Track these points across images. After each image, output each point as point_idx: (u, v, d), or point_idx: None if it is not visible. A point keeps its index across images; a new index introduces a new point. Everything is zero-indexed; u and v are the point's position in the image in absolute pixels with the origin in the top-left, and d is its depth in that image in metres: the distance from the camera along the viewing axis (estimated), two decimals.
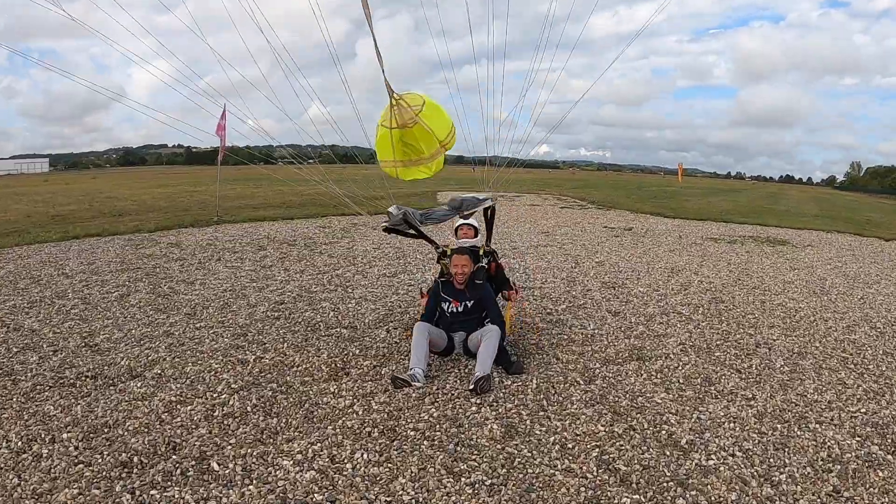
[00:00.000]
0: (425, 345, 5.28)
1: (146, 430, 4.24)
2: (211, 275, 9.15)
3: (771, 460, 3.96)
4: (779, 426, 4.42)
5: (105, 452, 3.94)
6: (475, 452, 3.98)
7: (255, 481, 3.65)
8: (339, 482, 3.64)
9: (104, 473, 3.70)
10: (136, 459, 3.85)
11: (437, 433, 4.22)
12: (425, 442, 4.11)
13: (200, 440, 4.11)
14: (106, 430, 4.25)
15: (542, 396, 4.79)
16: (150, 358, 5.63)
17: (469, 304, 5.58)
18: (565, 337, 6.31)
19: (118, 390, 4.92)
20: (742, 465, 3.88)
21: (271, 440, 4.14)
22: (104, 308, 7.27)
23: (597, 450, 4.00)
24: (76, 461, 3.84)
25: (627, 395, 4.85)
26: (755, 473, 3.80)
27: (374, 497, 3.50)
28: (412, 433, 4.22)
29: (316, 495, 3.52)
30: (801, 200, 39.66)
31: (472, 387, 4.85)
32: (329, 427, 4.31)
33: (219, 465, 3.82)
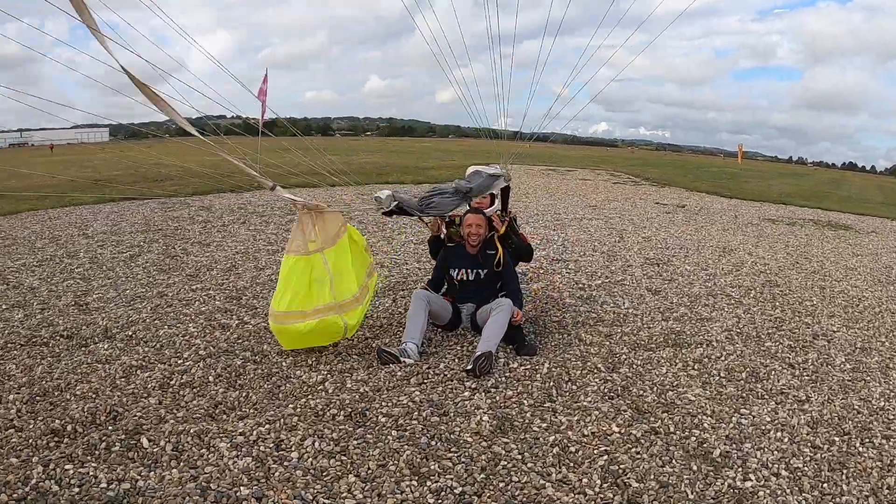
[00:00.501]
0: (423, 316, 4.48)
1: (93, 395, 3.69)
2: (230, 237, 8.61)
3: (825, 485, 3.01)
4: (836, 439, 3.43)
5: (42, 417, 3.42)
6: (453, 450, 3.19)
7: (181, 464, 3.01)
8: (276, 474, 2.92)
9: (31, 441, 3.17)
10: (69, 428, 3.31)
11: (414, 422, 3.44)
12: (394, 432, 3.34)
13: (144, 411, 3.50)
14: (56, 394, 3.72)
15: (551, 384, 3.94)
16: (130, 319, 5.08)
17: (482, 273, 4.75)
18: (594, 315, 5.40)
19: (86, 352, 4.39)
20: (788, 491, 2.94)
21: (224, 416, 3.49)
22: (109, 268, 6.80)
23: (605, 457, 3.14)
24: (9, 425, 3.34)
25: (655, 389, 3.93)
26: (804, 502, 2.85)
27: (310, 498, 2.77)
28: (383, 419, 3.47)
29: (243, 489, 2.82)
30: (863, 187, 36.47)
31: (469, 367, 4.05)
32: (290, 405, 3.60)
33: (150, 441, 3.19)
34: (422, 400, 3.69)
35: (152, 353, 4.33)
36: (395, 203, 4.71)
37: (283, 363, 4.23)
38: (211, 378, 3.94)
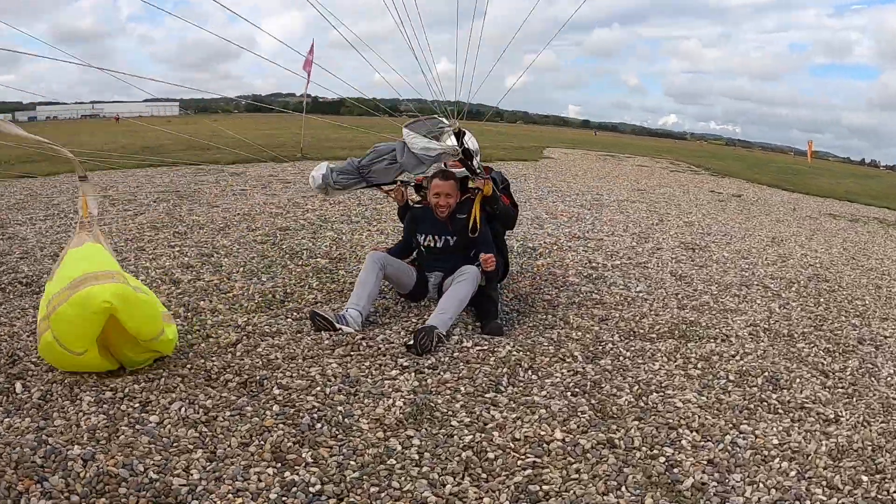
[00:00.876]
0: (373, 281, 3.72)
1: (8, 338, 3.25)
2: (242, 200, 8.09)
3: None
4: (864, 479, 2.37)
5: None
6: (339, 437, 2.45)
7: (37, 413, 2.52)
8: (121, 437, 2.28)
9: None
10: None
11: (310, 398, 2.73)
12: (276, 407, 2.63)
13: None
14: None
15: (505, 371, 3.09)
16: None
17: (451, 240, 3.93)
18: (595, 297, 4.48)
19: (34, 299, 3.91)
20: None
21: (111, 371, 2.86)
22: (107, 223, 6.34)
23: (529, 471, 2.29)
24: None
25: (636, 389, 3.00)
26: None
27: (141, 469, 2.14)
28: (277, 392, 2.77)
29: (77, 447, 2.25)
30: None
31: (410, 342, 3.25)
32: (186, 367, 2.93)
33: (24, 387, 2.72)
34: (333, 373, 2.95)
35: None
36: (329, 183, 3.96)
37: (209, 322, 3.62)
38: None
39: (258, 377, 2.87)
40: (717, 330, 3.92)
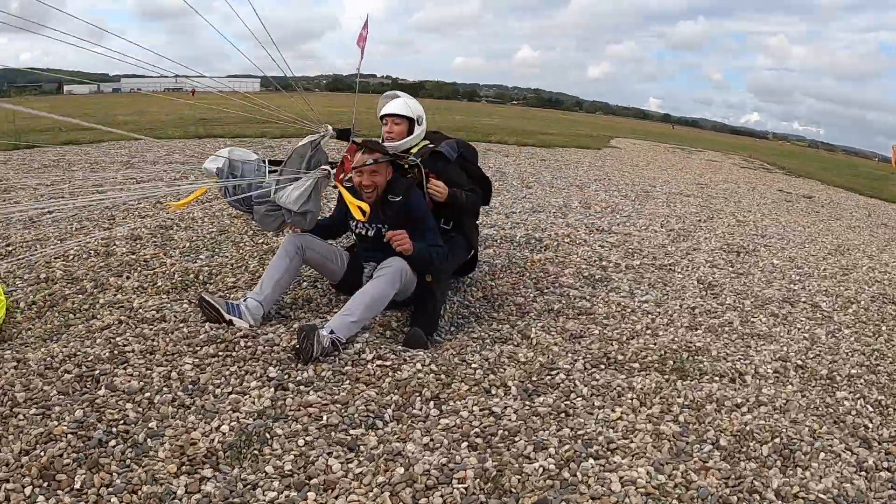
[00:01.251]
0: (284, 267, 2.94)
1: None
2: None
3: None
4: None
5: None
6: (118, 467, 1.76)
7: None
8: None
9: None
10: None
11: (129, 406, 2.06)
12: (80, 412, 1.99)
13: None
14: None
15: (395, 400, 2.25)
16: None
17: (383, 229, 3.02)
18: (583, 303, 3.52)
19: None
20: None
21: None
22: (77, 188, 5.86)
23: None
24: None
25: (564, 450, 2.04)
26: None
27: None
28: (103, 392, 2.13)
29: None
30: None
31: (295, 344, 2.47)
32: (40, 350, 2.37)
33: None
34: (183, 378, 2.26)
35: None
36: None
37: (101, 300, 3.03)
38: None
39: (97, 371, 2.23)
40: (730, 363, 2.86)
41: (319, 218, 3.22)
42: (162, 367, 2.34)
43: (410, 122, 3.19)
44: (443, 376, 2.41)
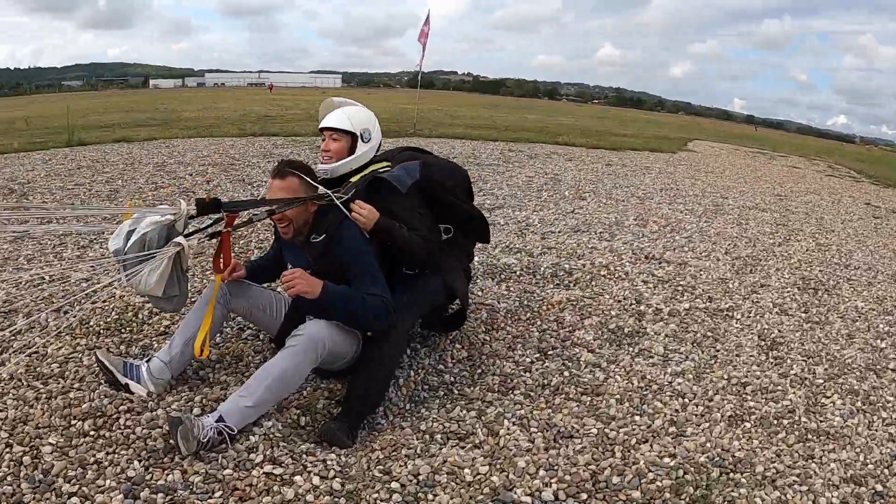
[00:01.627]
0: (198, 322, 2.31)
1: None
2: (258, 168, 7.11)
3: None
4: None
5: None
6: None
7: None
8: None
9: None
10: None
11: None
12: None
13: None
14: None
15: None
16: None
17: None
18: (587, 379, 2.70)
19: None
20: None
21: None
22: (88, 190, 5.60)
23: None
24: None
25: None
26: None
27: None
28: None
29: None
30: None
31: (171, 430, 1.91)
32: None
33: None
34: (20, 464, 1.79)
35: None
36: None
37: (17, 340, 2.56)
38: None
39: None
40: (779, 491, 1.99)
41: (255, 258, 2.62)
42: (21, 446, 1.87)
43: (353, 139, 2.49)
44: (343, 501, 1.73)
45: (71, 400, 2.13)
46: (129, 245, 2.06)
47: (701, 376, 2.81)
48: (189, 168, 7.01)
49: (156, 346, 2.59)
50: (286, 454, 1.91)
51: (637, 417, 2.39)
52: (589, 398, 2.50)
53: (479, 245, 3.13)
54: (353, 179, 2.44)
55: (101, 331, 2.71)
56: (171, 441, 1.87)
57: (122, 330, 2.75)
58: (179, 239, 2.09)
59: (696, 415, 2.46)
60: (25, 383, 2.24)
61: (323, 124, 2.52)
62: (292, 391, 2.18)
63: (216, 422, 1.93)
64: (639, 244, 5.08)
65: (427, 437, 2.15)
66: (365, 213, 2.31)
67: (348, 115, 2.51)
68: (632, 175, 9.27)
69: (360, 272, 2.22)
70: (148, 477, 1.77)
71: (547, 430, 2.22)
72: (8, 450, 1.85)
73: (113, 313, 2.87)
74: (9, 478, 1.73)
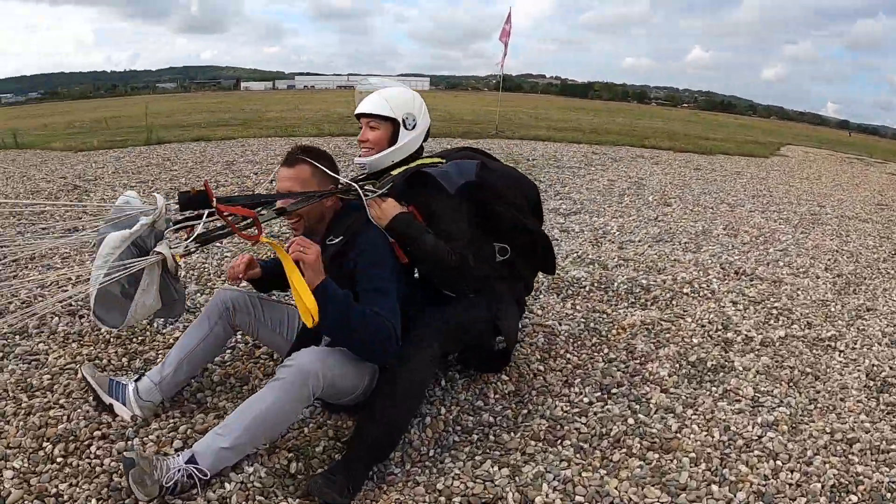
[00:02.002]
0: (201, 336, 2.07)
1: None
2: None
3: None
4: None
5: None
6: None
7: None
8: None
9: None
10: None
11: None
12: None
13: None
14: None
15: None
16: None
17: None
18: (667, 431, 2.15)
19: None
20: None
21: None
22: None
23: None
24: None
25: None
26: None
27: None
28: None
29: None
30: None
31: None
32: None
33: None
34: None
35: None
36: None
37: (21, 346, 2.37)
38: None
39: None
40: None
41: (260, 258, 2.26)
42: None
43: (394, 126, 2.09)
44: None
45: (49, 419, 1.88)
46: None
47: (798, 428, 2.21)
48: (256, 167, 6.92)
49: (160, 360, 2.32)
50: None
51: (715, 487, 1.83)
52: (656, 455, 1.97)
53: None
54: (394, 173, 2.05)
55: (112, 339, 2.48)
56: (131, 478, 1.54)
57: (133, 339, 2.50)
58: (160, 248, 1.69)
59: (789, 484, 1.88)
60: (11, 395, 2.02)
61: (358, 110, 2.13)
62: (278, 433, 1.82)
63: (186, 462, 1.59)
64: (728, 257, 4.41)
65: (442, 500, 1.71)
66: (384, 205, 1.91)
67: (387, 98, 2.10)
68: (721, 180, 8.43)
69: (368, 286, 1.79)
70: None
71: (595, 501, 1.73)
72: None
73: None
74: None
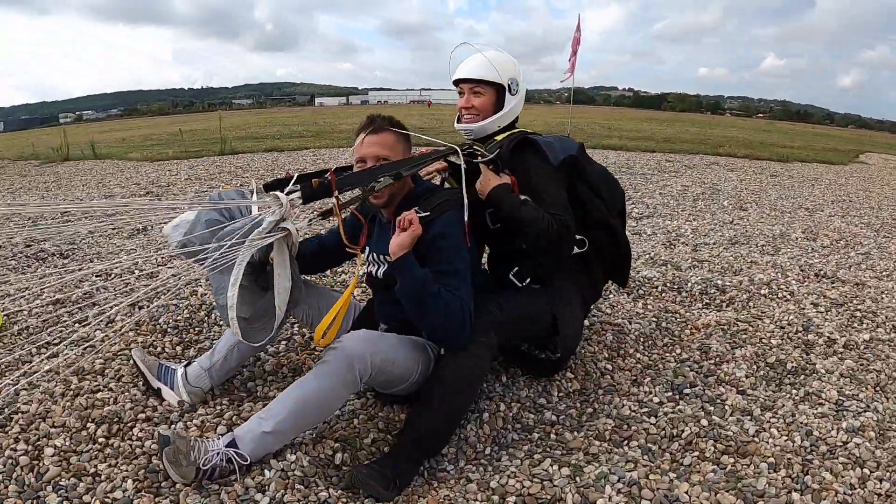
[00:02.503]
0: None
1: None
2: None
3: None
4: None
5: None
6: None
7: None
8: None
9: None
10: None
11: None
12: None
13: None
14: None
15: None
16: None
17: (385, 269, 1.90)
18: (744, 435, 1.91)
19: None
20: None
21: None
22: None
23: None
24: None
25: None
26: None
27: None
28: None
29: None
30: None
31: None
32: None
33: None
34: (16, 464, 1.61)
35: None
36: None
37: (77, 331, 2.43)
38: None
39: None
40: None
41: (310, 237, 2.21)
42: (26, 444, 1.65)
43: (499, 90, 1.99)
44: None
45: (96, 401, 1.88)
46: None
47: (886, 435, 1.94)
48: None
49: None
50: (299, 501, 1.46)
51: (796, 495, 1.61)
52: (732, 459, 1.76)
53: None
54: (498, 139, 1.98)
55: (168, 328, 2.49)
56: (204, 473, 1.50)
57: (190, 329, 2.51)
58: (287, 224, 1.66)
59: (878, 494, 1.64)
60: (62, 377, 2.04)
61: (461, 75, 2.03)
62: (323, 419, 1.73)
63: (226, 446, 1.54)
64: (807, 259, 4.09)
65: (496, 499, 1.57)
66: (487, 179, 1.85)
67: (492, 60, 1.99)
68: (799, 186, 7.98)
69: (448, 267, 1.69)
70: (137, 502, 1.43)
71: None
72: (14, 445, 1.64)
73: (185, 311, 2.64)
74: (6, 481, 1.51)
